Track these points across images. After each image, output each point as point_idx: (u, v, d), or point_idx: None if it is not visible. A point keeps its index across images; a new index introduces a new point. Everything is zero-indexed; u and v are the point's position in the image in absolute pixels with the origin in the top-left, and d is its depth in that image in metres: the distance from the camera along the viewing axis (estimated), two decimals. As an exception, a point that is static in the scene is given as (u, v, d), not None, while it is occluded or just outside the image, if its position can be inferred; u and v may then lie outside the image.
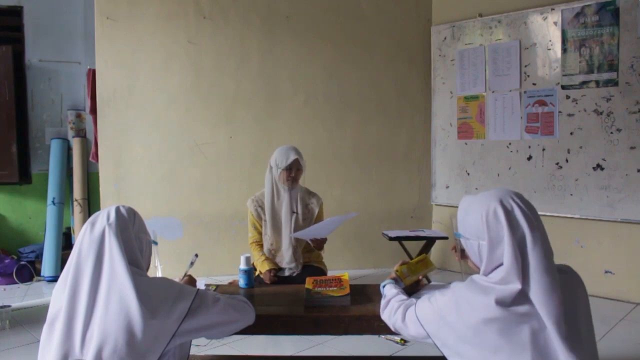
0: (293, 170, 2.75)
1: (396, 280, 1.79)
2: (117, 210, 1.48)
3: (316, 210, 2.87)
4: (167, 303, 1.39)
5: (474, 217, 1.40)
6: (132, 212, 1.51)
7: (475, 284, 1.35)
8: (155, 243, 1.65)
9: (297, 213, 2.80)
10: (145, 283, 1.38)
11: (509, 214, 1.34)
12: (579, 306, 1.32)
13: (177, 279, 1.93)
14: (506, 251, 1.31)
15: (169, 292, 1.42)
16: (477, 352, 1.29)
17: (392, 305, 1.62)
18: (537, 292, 1.27)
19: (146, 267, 1.56)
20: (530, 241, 1.31)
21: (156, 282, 1.45)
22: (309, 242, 2.74)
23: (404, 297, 1.64)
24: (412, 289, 1.79)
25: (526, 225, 1.33)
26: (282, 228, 2.81)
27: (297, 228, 2.78)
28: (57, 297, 1.39)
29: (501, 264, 1.33)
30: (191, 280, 1.95)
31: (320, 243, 2.72)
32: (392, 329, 1.62)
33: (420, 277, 1.84)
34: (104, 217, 1.44)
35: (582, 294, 1.37)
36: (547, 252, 1.31)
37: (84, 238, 1.41)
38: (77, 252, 1.39)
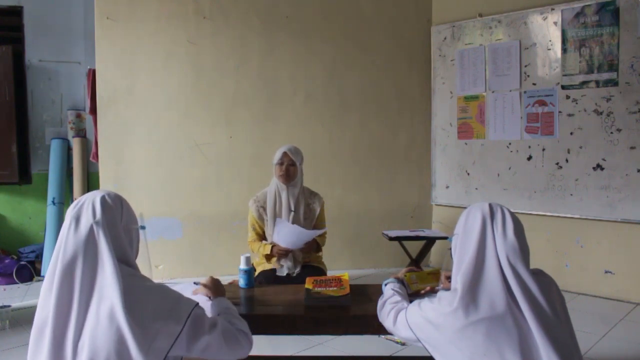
0: (284, 165, 2.78)
1: (402, 282, 1.81)
2: (103, 202, 1.36)
3: (317, 210, 2.88)
4: (159, 321, 1.29)
5: (463, 214, 1.51)
6: (119, 201, 1.40)
7: (456, 291, 1.38)
8: (143, 227, 1.53)
9: (293, 212, 2.80)
10: (137, 290, 1.30)
11: (492, 211, 1.43)
12: (556, 305, 1.37)
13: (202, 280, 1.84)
14: (472, 242, 1.40)
15: (162, 306, 1.31)
16: (467, 356, 1.31)
17: (386, 307, 1.66)
18: (517, 292, 1.33)
19: (136, 255, 1.47)
20: (500, 239, 1.38)
21: (150, 291, 1.34)
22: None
23: (398, 298, 1.67)
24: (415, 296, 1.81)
25: (501, 225, 1.40)
26: None
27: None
28: (44, 301, 1.29)
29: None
30: (214, 281, 1.80)
31: (308, 248, 2.75)
32: (386, 329, 1.65)
33: (427, 289, 1.85)
34: (89, 212, 1.33)
35: (557, 294, 1.42)
36: (520, 254, 1.37)
37: (67, 238, 1.31)
38: (62, 254, 1.29)
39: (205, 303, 1.65)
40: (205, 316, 1.41)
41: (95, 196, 1.38)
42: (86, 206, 1.35)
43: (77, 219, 1.33)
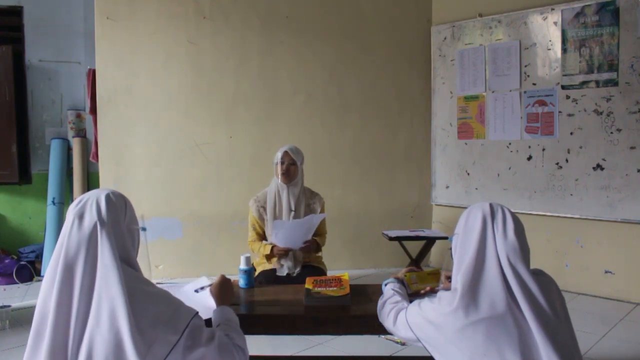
0: (285, 164, 2.78)
1: (402, 282, 1.81)
2: (108, 200, 1.34)
3: (318, 210, 2.88)
4: (157, 328, 1.27)
5: (463, 214, 1.51)
6: (122, 201, 1.39)
7: (456, 291, 1.38)
8: (144, 229, 1.52)
9: (294, 211, 2.81)
10: (138, 294, 1.29)
11: (492, 211, 1.43)
12: (556, 305, 1.37)
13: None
14: (473, 242, 1.40)
15: (162, 313, 1.30)
16: (467, 355, 1.31)
17: (386, 307, 1.66)
18: (517, 292, 1.33)
19: (136, 255, 1.46)
20: (501, 239, 1.38)
21: (151, 297, 1.32)
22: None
23: (398, 298, 1.67)
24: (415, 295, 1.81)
25: (501, 225, 1.40)
26: None
27: None
28: (44, 299, 1.28)
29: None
30: (223, 280, 1.81)
31: (307, 248, 2.74)
32: (386, 329, 1.65)
33: (426, 289, 1.85)
34: (93, 210, 1.31)
35: (557, 294, 1.42)
36: (520, 254, 1.37)
37: (70, 235, 1.28)
38: (64, 251, 1.27)
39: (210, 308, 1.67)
40: (203, 327, 1.39)
41: (99, 194, 1.35)
42: (90, 204, 1.33)
43: (80, 217, 1.30)
